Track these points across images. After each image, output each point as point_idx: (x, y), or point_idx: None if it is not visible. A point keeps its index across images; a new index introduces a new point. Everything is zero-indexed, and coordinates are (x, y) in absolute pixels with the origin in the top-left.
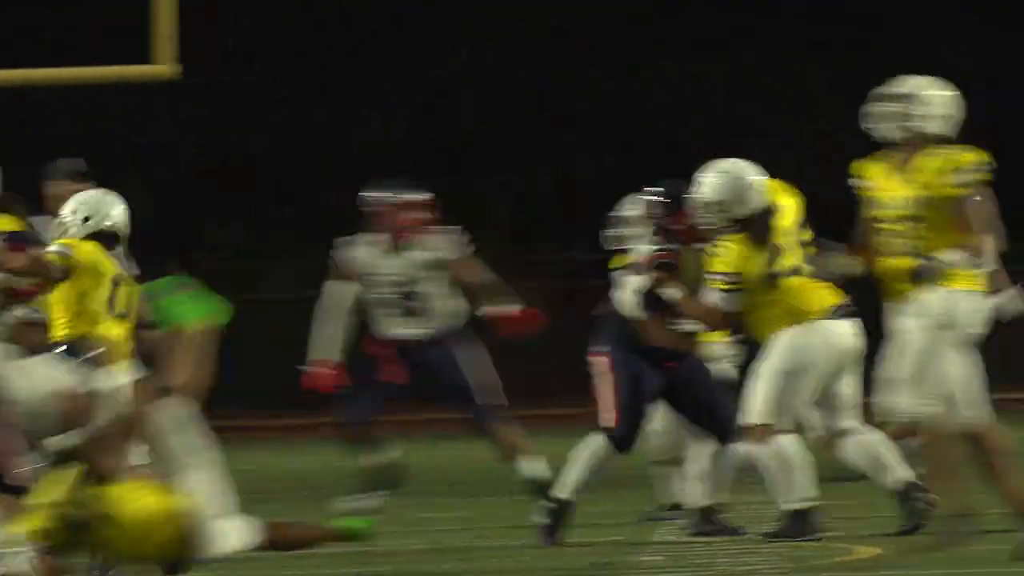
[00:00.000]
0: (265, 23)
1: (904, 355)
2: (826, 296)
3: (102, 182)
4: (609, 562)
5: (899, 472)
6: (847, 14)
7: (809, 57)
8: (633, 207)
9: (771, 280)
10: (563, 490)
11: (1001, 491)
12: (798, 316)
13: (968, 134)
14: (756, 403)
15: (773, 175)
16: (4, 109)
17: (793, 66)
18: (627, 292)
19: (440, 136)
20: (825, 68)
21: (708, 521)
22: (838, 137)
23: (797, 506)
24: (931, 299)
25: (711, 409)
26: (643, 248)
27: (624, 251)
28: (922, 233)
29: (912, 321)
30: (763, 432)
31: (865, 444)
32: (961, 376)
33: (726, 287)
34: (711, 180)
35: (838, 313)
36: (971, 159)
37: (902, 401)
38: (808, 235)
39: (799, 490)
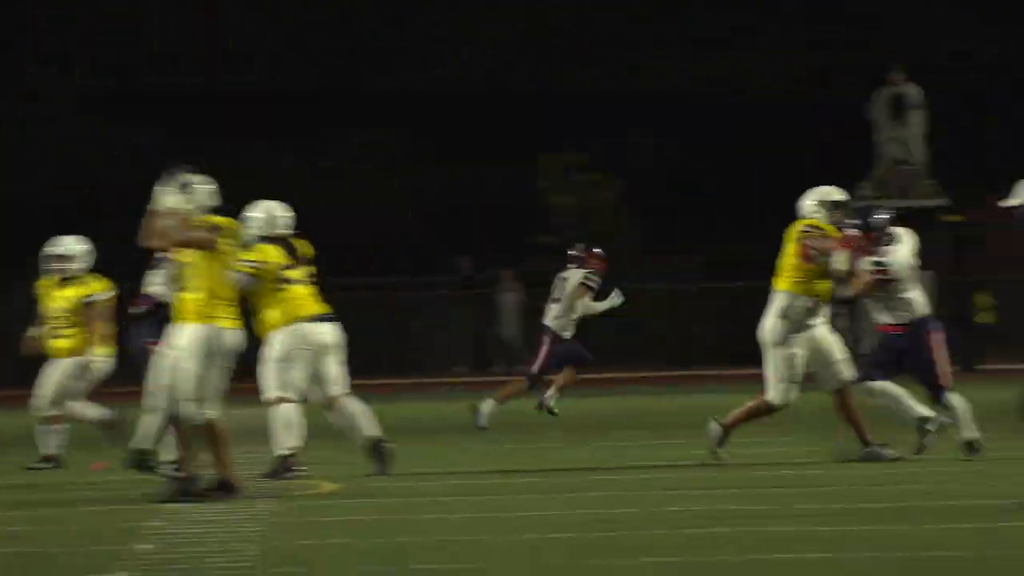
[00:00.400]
0: (265, 23)
1: (172, 371)
2: (313, 305)
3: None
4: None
5: (371, 431)
6: (847, 14)
7: (809, 57)
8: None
9: (279, 284)
10: (153, 445)
11: (219, 462)
12: (291, 318)
13: (962, 128)
14: (269, 383)
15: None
16: (5, 110)
17: (793, 66)
18: (158, 281)
19: (440, 136)
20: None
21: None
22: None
23: (285, 452)
24: (195, 330)
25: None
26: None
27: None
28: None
29: (183, 343)
30: (277, 401)
31: (348, 409)
32: (193, 381)
33: (250, 270)
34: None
35: (320, 318)
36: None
37: (163, 403)
38: (309, 250)
39: (289, 441)
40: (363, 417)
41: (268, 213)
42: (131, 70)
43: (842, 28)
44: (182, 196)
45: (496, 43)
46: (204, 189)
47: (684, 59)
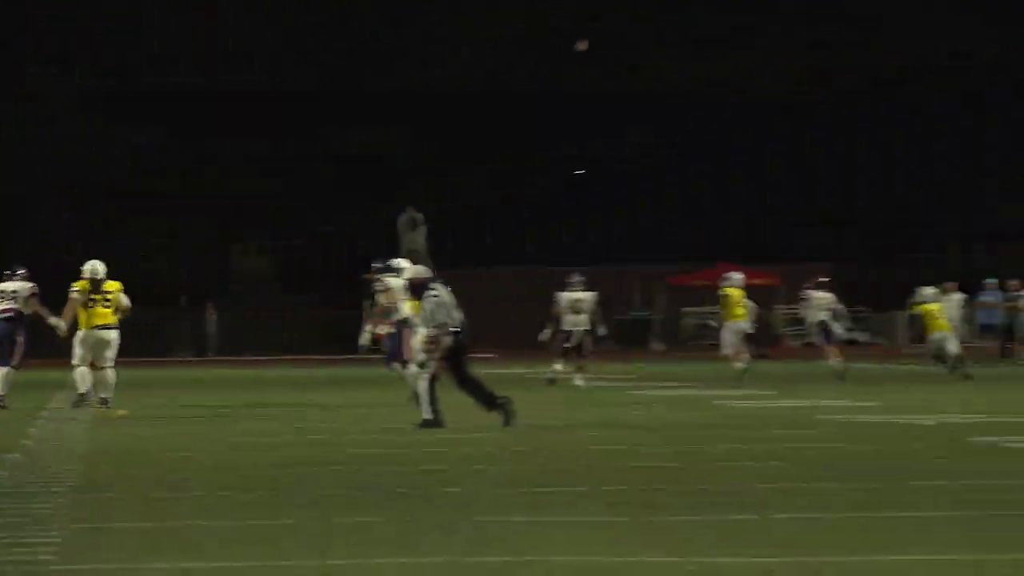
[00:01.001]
0: (265, 23)
1: None
2: (105, 318)
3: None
4: None
5: (103, 392)
6: (847, 14)
7: (809, 57)
8: None
9: (89, 303)
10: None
11: None
12: (91, 325)
13: (962, 128)
14: (75, 355)
15: None
16: (5, 110)
17: (793, 66)
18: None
19: (440, 136)
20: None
21: None
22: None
23: (83, 391)
24: None
25: None
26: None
27: None
28: None
29: None
30: (77, 365)
31: (104, 376)
32: None
33: (74, 293)
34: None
35: (106, 327)
36: None
37: None
38: (117, 287)
39: (82, 388)
40: (101, 382)
41: (93, 266)
42: (131, 70)
43: (842, 28)
44: None
45: (496, 43)
46: None
47: (684, 59)
